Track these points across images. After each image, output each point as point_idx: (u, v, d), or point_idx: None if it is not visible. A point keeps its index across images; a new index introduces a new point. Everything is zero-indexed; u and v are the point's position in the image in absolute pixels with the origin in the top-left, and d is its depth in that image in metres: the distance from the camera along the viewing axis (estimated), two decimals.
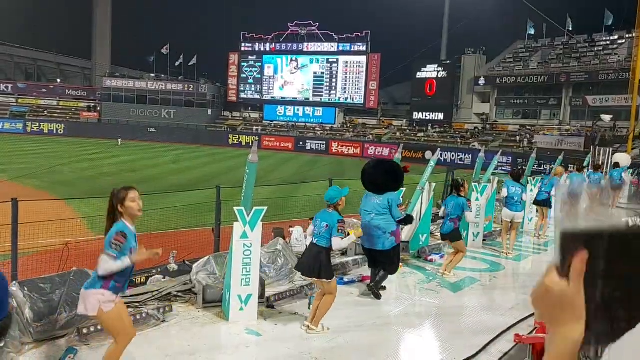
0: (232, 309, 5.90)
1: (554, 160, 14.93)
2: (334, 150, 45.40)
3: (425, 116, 50.48)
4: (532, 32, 51.32)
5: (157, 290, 6.38)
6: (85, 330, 5.11)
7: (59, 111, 57.31)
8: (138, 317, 5.54)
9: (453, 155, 39.22)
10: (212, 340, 5.59)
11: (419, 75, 51.28)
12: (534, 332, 4.56)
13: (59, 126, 52.70)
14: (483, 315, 6.65)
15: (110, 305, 4.10)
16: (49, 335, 5.09)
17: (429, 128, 49.78)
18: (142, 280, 6.71)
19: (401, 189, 8.06)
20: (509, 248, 10.18)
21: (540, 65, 48.03)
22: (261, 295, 6.28)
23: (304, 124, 54.67)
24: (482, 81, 49.98)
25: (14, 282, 5.20)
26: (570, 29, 46.43)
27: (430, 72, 50.72)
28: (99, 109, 57.10)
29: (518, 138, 43.09)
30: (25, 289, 5.04)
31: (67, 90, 60.10)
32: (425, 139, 47.41)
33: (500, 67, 50.86)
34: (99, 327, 5.13)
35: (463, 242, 8.72)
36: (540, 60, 48.83)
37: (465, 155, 38.96)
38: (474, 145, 41.05)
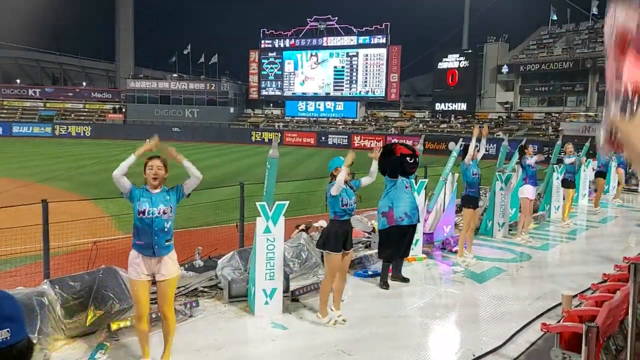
0: (257, 303, 5.98)
1: (581, 147, 14.66)
2: (356, 144, 45.19)
3: (448, 107, 49.89)
4: (555, 17, 50.22)
5: (184, 286, 6.49)
6: (115, 327, 5.23)
7: (85, 114, 58.41)
8: None
9: (477, 145, 38.76)
10: (238, 334, 5.67)
11: (441, 65, 50.64)
12: (562, 321, 4.49)
13: (85, 128, 53.71)
14: (509, 306, 6.58)
15: (132, 269, 4.50)
16: (80, 332, 5.23)
17: (452, 119, 49.22)
18: None
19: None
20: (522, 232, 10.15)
21: (564, 51, 46.96)
22: (286, 289, 6.33)
23: (325, 119, 54.60)
24: (505, 69, 49.09)
25: (45, 281, 5.34)
26: (595, 12, 45.30)
27: (451, 62, 50.05)
28: (124, 110, 58.00)
29: (543, 126, 42.28)
30: (56, 286, 5.17)
31: (92, 93, 61.18)
32: (449, 129, 46.90)
33: (524, 55, 49.91)
34: (128, 323, 5.25)
35: (470, 212, 8.79)
36: (565, 46, 47.73)
37: (489, 145, 38.00)
38: (499, 135, 40.46)
